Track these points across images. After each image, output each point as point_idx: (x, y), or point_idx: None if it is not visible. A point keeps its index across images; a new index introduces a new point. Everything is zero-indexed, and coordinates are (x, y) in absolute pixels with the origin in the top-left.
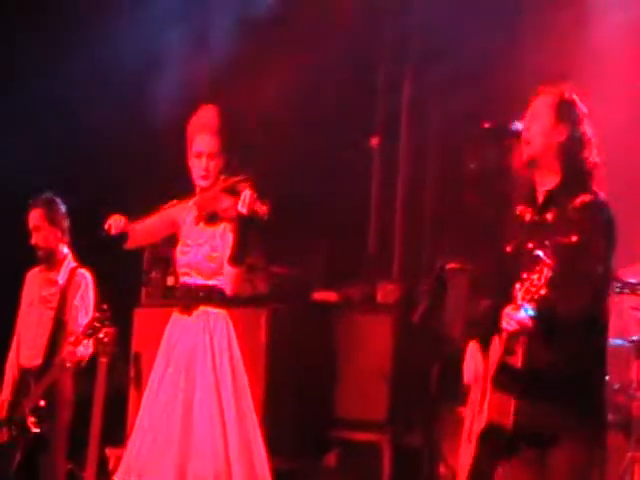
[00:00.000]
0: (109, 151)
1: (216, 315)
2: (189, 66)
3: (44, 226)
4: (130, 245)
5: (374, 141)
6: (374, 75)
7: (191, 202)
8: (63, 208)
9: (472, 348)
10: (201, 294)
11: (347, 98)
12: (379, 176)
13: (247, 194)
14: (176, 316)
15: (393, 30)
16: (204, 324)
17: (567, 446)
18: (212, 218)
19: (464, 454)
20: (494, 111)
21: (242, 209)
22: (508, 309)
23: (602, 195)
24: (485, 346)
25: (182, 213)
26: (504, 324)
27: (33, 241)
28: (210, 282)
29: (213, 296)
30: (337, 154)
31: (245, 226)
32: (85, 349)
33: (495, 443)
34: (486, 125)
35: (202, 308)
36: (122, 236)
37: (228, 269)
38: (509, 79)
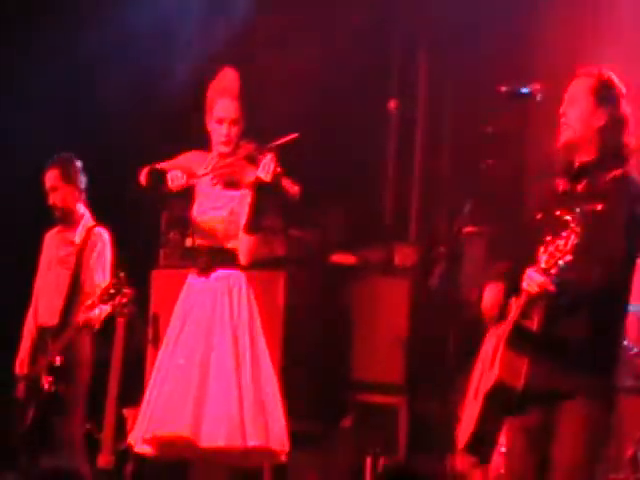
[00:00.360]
0: (126, 113)
1: (235, 277)
2: (210, 32)
3: (60, 185)
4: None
5: (392, 104)
6: (392, 41)
7: (208, 162)
8: (80, 167)
9: (490, 293)
10: (219, 256)
11: (365, 63)
12: (396, 139)
13: (269, 161)
14: (193, 278)
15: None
16: (223, 286)
17: (577, 409)
18: (232, 184)
19: (469, 410)
20: (510, 75)
21: (264, 176)
22: (530, 271)
23: (634, 172)
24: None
25: (199, 168)
26: (525, 285)
27: (50, 201)
28: (228, 244)
29: (231, 258)
30: (355, 118)
31: (264, 194)
32: (101, 312)
33: (502, 403)
34: (502, 88)
35: (220, 270)
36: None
37: (243, 237)
38: (526, 47)
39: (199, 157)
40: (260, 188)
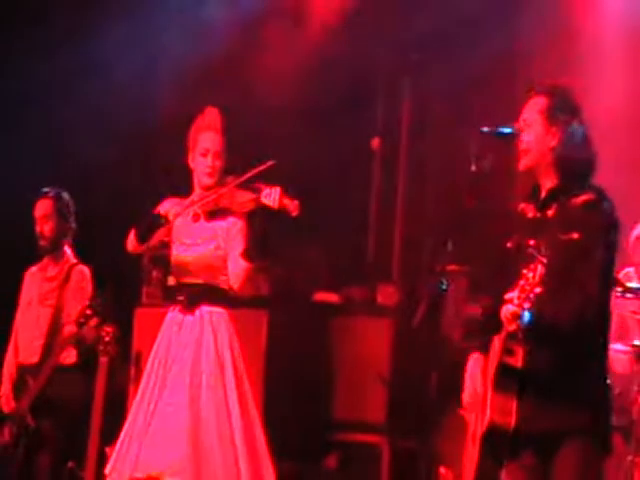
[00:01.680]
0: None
1: (218, 314)
2: (189, 63)
3: (53, 217)
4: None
5: (375, 143)
6: (376, 79)
7: (188, 200)
8: (71, 204)
9: (473, 366)
10: (203, 293)
11: (349, 101)
12: (379, 177)
13: (276, 189)
14: (175, 315)
15: (394, 37)
16: (207, 322)
17: (571, 448)
18: (217, 213)
19: (469, 457)
20: (493, 114)
21: (270, 202)
22: (505, 308)
23: (603, 192)
24: (486, 355)
25: (171, 211)
26: (504, 322)
27: (38, 229)
28: (212, 281)
29: (215, 295)
30: (338, 156)
31: (268, 220)
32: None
33: (498, 444)
34: (484, 129)
35: (204, 307)
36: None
37: (241, 263)
38: (508, 83)
39: (176, 203)
40: (265, 215)
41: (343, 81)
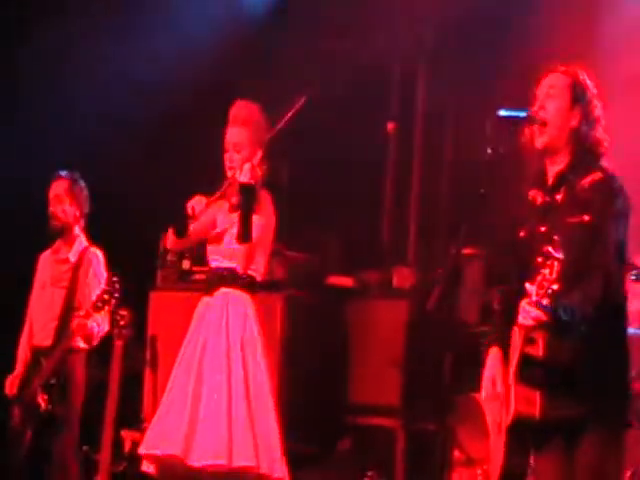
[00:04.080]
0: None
1: (235, 297)
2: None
3: (66, 198)
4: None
5: (390, 126)
6: (392, 65)
7: (217, 196)
8: (86, 190)
9: (492, 360)
10: (223, 275)
11: (365, 85)
12: (394, 161)
13: (246, 166)
14: (202, 300)
15: (409, 24)
16: (222, 304)
17: (595, 433)
18: (233, 207)
19: (496, 446)
20: (508, 98)
21: (242, 178)
22: (524, 304)
23: (611, 171)
24: (505, 347)
25: (197, 208)
26: (521, 319)
27: (51, 210)
28: (233, 264)
29: (233, 278)
30: (353, 140)
31: (247, 196)
32: (98, 326)
33: (524, 435)
34: (501, 112)
35: (223, 289)
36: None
37: (237, 247)
38: (523, 68)
39: (200, 200)
40: (243, 190)
41: (361, 67)
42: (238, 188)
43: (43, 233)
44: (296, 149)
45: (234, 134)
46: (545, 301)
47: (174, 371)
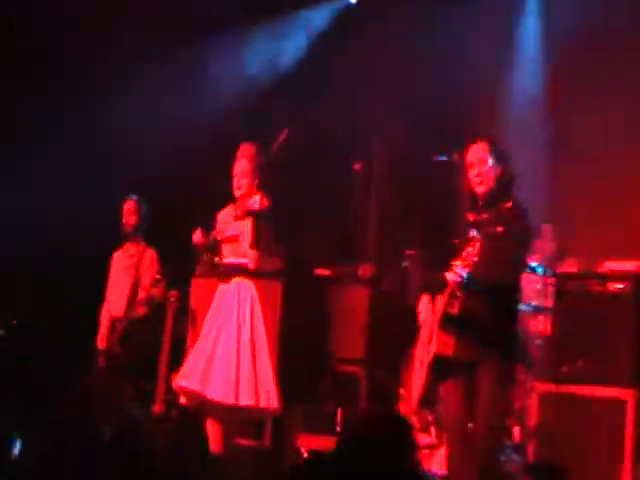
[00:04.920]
0: (181, 176)
1: (245, 285)
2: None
3: (134, 213)
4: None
5: (357, 166)
6: (356, 130)
7: (229, 207)
8: (146, 207)
9: (424, 300)
10: (236, 269)
11: (340, 140)
12: (360, 189)
13: (257, 197)
14: (221, 286)
15: (366, 105)
16: (234, 289)
17: (490, 372)
18: (242, 216)
19: (417, 379)
20: (442, 147)
21: (255, 206)
22: (454, 267)
23: (518, 199)
24: (433, 299)
25: (226, 216)
26: (449, 277)
27: (124, 221)
28: (241, 260)
29: (242, 270)
30: (331, 174)
31: (258, 218)
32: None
33: (440, 369)
34: (434, 157)
35: (235, 279)
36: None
37: (250, 252)
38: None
39: (224, 213)
40: (253, 215)
41: (337, 128)
42: (251, 212)
43: (117, 237)
44: (292, 183)
45: (240, 165)
46: (467, 268)
47: (202, 331)
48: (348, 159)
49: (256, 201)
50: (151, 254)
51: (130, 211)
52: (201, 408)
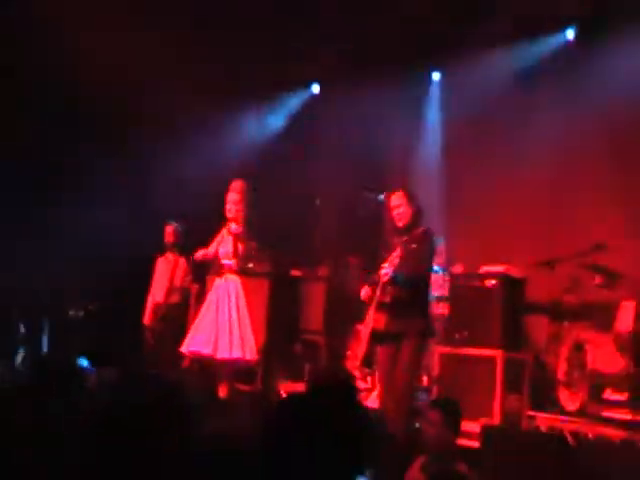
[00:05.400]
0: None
1: (232, 279)
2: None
3: (174, 234)
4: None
5: (318, 202)
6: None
7: (224, 229)
8: (181, 229)
9: (365, 289)
10: (226, 268)
11: (305, 184)
12: (319, 216)
13: (232, 224)
14: (216, 279)
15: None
16: (226, 283)
17: (409, 340)
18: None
19: (360, 345)
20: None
21: (232, 230)
22: (382, 269)
23: (428, 227)
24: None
25: (223, 233)
26: (381, 274)
27: (166, 239)
28: (228, 262)
29: (232, 269)
30: (297, 207)
31: (237, 237)
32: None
33: (375, 340)
34: (366, 191)
35: (226, 275)
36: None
37: (232, 260)
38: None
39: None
40: (234, 236)
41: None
42: (232, 234)
43: (162, 247)
44: (268, 211)
45: (232, 196)
46: (392, 268)
47: (201, 311)
48: (312, 197)
49: (235, 227)
50: (183, 262)
51: (170, 233)
52: (206, 366)
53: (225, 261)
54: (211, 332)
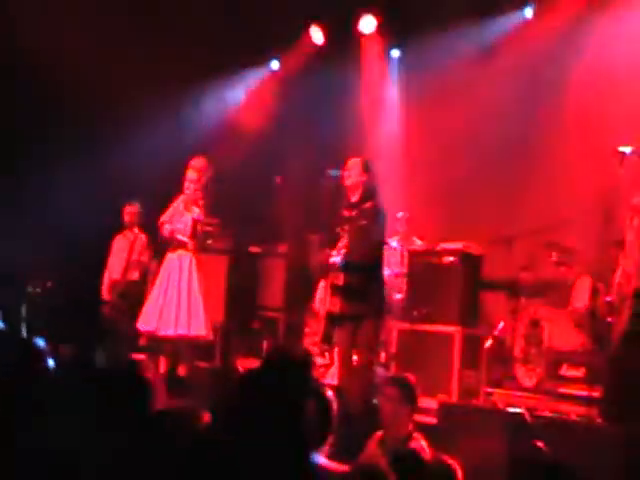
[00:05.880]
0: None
1: (185, 254)
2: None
3: (136, 215)
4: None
5: (277, 180)
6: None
7: (180, 199)
8: (141, 210)
9: (321, 286)
10: (181, 244)
11: (266, 161)
12: (280, 196)
13: (197, 210)
14: (168, 254)
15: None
16: (179, 259)
17: (366, 321)
18: (189, 209)
19: (319, 327)
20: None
21: (194, 216)
22: (332, 257)
23: (377, 201)
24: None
25: (179, 204)
26: (330, 261)
27: (126, 219)
28: (183, 239)
29: (185, 244)
30: (260, 185)
31: (196, 221)
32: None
33: (333, 320)
34: (327, 172)
35: (179, 250)
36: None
37: (188, 240)
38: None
39: (178, 201)
40: (194, 220)
41: (264, 152)
42: (193, 218)
43: (119, 225)
44: (228, 190)
45: (191, 174)
46: (342, 254)
47: (154, 286)
48: (273, 175)
49: (196, 212)
50: (142, 237)
51: (129, 213)
52: (160, 344)
53: (179, 236)
54: (156, 308)
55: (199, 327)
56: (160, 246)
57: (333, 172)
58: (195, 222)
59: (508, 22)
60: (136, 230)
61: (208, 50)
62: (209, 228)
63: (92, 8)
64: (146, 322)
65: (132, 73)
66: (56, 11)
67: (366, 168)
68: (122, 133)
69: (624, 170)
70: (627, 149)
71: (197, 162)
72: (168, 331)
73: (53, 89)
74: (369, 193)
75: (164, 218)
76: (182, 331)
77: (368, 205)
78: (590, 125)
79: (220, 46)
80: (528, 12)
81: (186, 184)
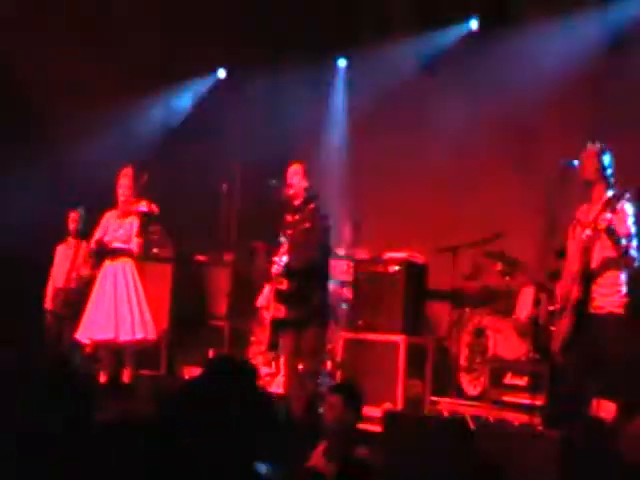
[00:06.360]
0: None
1: (126, 262)
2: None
3: (78, 221)
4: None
5: (224, 187)
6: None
7: (109, 215)
8: (84, 216)
9: (267, 290)
10: (120, 252)
11: (212, 168)
12: (224, 202)
13: (144, 203)
14: (107, 262)
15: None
16: (118, 266)
17: (311, 327)
18: (125, 215)
19: (265, 333)
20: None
21: (143, 209)
22: (274, 265)
23: (317, 204)
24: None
25: (110, 217)
26: (274, 269)
27: (69, 225)
28: (124, 246)
29: (126, 253)
30: (202, 192)
31: (144, 217)
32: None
33: (278, 325)
34: (267, 182)
35: (120, 259)
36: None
37: (136, 239)
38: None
39: (108, 215)
40: (141, 215)
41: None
42: (139, 213)
43: (64, 233)
44: (171, 196)
45: (123, 182)
46: (284, 260)
47: (95, 290)
48: (218, 182)
49: (143, 205)
50: (84, 246)
51: (74, 219)
52: (104, 351)
53: (117, 244)
54: (109, 316)
55: (153, 331)
56: (101, 255)
57: (273, 182)
58: (142, 216)
59: (453, 34)
60: (79, 238)
61: (159, 58)
62: (154, 236)
63: (44, 10)
64: (86, 331)
65: (85, 77)
66: (8, 13)
67: (307, 174)
68: (74, 138)
69: (567, 181)
70: (569, 161)
71: (126, 171)
72: (127, 337)
73: (7, 89)
74: (311, 197)
75: (98, 235)
76: (140, 335)
77: (310, 207)
78: (531, 137)
79: (170, 55)
80: (474, 24)
81: (120, 191)
